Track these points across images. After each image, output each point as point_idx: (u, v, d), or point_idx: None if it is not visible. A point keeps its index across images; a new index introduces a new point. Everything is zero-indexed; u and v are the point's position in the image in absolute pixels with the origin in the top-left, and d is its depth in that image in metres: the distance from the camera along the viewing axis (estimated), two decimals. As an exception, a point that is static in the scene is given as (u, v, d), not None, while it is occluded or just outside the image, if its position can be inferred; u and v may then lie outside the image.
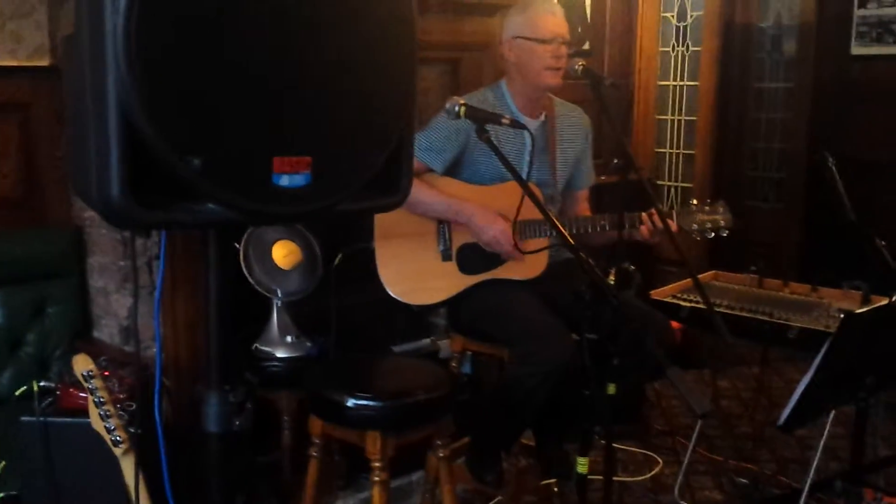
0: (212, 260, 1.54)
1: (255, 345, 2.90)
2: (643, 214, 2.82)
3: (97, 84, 1.19)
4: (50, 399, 2.34)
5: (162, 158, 1.20)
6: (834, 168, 3.25)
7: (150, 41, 1.17)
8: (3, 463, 2.32)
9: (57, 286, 2.94)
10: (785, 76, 5.00)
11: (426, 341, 3.53)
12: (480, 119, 2.41)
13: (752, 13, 5.04)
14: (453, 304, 2.98)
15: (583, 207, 3.19)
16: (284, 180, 1.32)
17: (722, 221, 2.87)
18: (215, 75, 1.23)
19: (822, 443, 3.06)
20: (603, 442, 2.54)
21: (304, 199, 1.36)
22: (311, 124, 1.35)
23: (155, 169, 1.22)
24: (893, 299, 3.02)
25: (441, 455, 2.65)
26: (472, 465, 2.98)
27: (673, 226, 2.80)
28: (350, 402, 2.44)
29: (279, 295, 2.91)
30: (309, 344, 2.92)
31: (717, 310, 2.97)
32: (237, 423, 1.57)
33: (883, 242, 3.28)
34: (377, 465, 2.47)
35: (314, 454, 2.63)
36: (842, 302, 3.14)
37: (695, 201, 2.92)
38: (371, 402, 2.44)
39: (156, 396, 1.69)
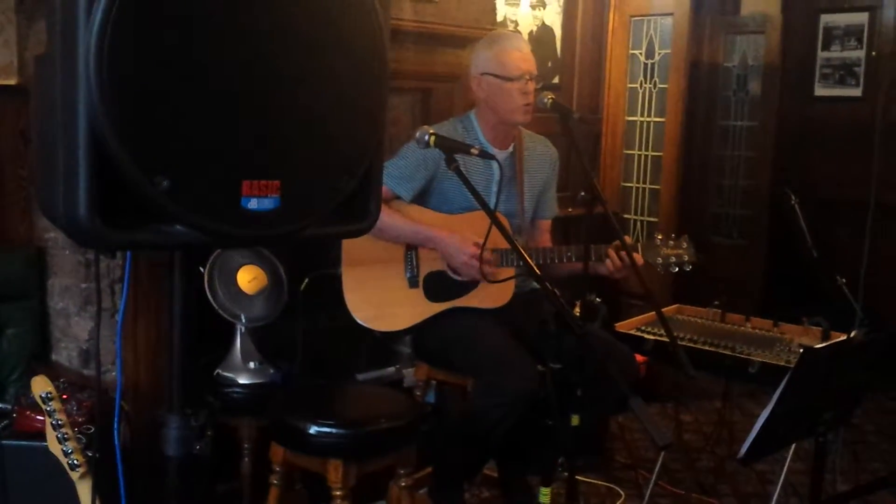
0: (176, 282, 1.53)
1: (217, 370, 2.87)
2: (609, 249, 2.85)
3: (68, 103, 1.19)
4: (6, 422, 2.30)
5: (131, 179, 1.20)
6: (796, 206, 3.31)
7: (123, 62, 1.18)
8: (-45, 487, 2.27)
9: (16, 308, 2.88)
10: (750, 115, 5.10)
11: (391, 369, 3.52)
12: (449, 148, 2.43)
13: (718, 53, 5.14)
14: (419, 332, 2.98)
15: (545, 238, 3.21)
16: (253, 203, 1.33)
17: (685, 256, 2.91)
18: (186, 98, 1.24)
19: (782, 477, 3.09)
20: (566, 474, 2.54)
21: (272, 223, 1.36)
22: (281, 149, 1.36)
23: (123, 189, 1.21)
24: (852, 335, 3.07)
25: (403, 484, 2.64)
26: (434, 496, 2.96)
27: (639, 259, 2.82)
28: (312, 430, 2.42)
29: (243, 320, 2.88)
30: (272, 370, 2.89)
31: (681, 343, 3.00)
32: (197, 447, 1.55)
33: (843, 279, 3.34)
34: (338, 493, 2.44)
35: (275, 482, 2.60)
36: (803, 337, 3.18)
37: (659, 236, 2.96)
38: (333, 430, 2.42)
39: (115, 420, 1.67)
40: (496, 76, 2.90)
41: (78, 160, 1.19)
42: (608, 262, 2.85)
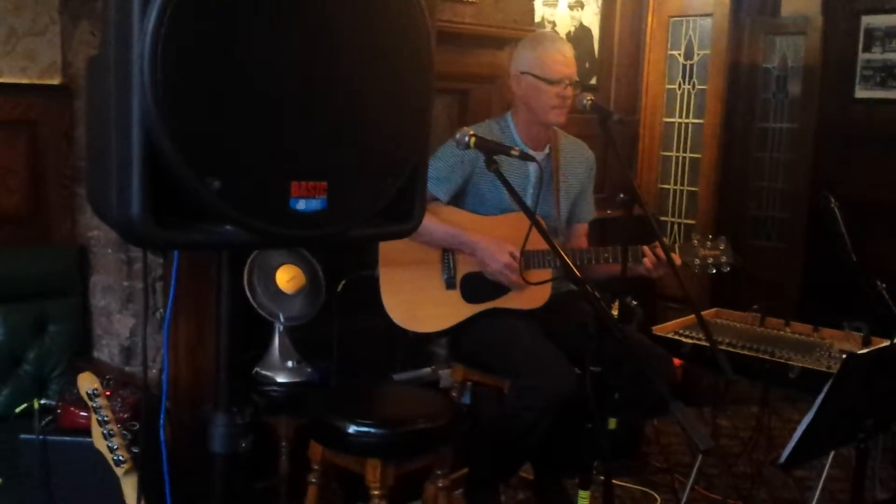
0: (224, 281, 1.54)
1: (255, 369, 2.89)
2: (646, 247, 2.84)
3: (122, 105, 1.21)
4: (50, 417, 2.33)
5: (183, 180, 1.21)
6: (836, 209, 3.27)
7: (176, 65, 1.19)
8: (1, 481, 2.30)
9: (59, 305, 2.93)
10: (789, 117, 5.04)
11: (427, 370, 3.53)
12: (489, 150, 2.42)
13: (757, 54, 5.09)
14: (455, 333, 2.98)
15: (581, 241, 3.19)
16: (301, 204, 1.34)
17: (723, 257, 2.89)
18: (237, 99, 1.25)
19: (820, 484, 3.06)
20: (602, 477, 2.53)
21: (319, 224, 1.37)
22: (329, 150, 1.37)
23: (174, 190, 1.23)
24: (894, 341, 3.02)
25: (440, 485, 2.64)
26: (470, 497, 2.97)
27: (676, 259, 2.81)
28: (351, 429, 2.44)
29: (281, 319, 2.90)
30: (309, 369, 2.91)
31: (719, 347, 2.97)
32: (243, 444, 1.57)
33: (883, 284, 3.29)
34: (377, 493, 2.45)
35: (313, 480, 2.61)
36: (843, 343, 3.14)
37: (697, 237, 2.94)
38: (373, 430, 2.43)
39: (161, 417, 1.68)
40: (536, 77, 2.89)
41: (131, 161, 1.20)
42: (645, 259, 2.83)
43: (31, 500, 2.27)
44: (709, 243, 2.91)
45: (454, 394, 3.14)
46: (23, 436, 2.28)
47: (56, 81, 3.00)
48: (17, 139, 2.91)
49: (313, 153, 1.34)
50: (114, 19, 1.23)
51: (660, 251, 2.79)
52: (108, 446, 2.00)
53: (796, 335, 3.26)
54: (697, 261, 2.88)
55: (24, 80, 2.93)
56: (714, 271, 2.90)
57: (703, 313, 3.22)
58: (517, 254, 2.78)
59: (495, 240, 2.87)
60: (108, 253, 2.92)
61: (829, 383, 2.38)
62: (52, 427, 2.31)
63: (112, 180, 1.24)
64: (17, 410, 2.47)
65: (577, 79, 2.94)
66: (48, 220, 3.01)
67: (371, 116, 1.41)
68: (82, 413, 2.19)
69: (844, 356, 2.72)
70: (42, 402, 2.34)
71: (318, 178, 1.35)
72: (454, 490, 2.88)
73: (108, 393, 2.13)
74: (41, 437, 2.26)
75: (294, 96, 1.31)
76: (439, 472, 2.63)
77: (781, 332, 3.29)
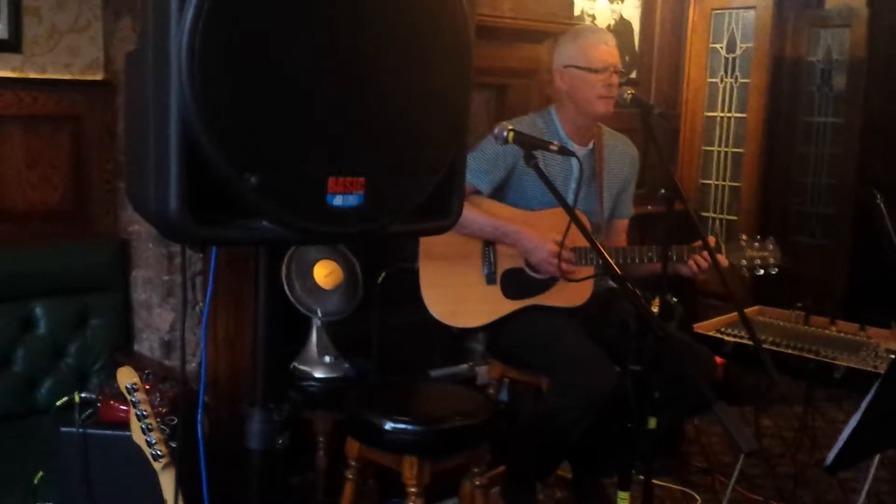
0: (261, 277, 1.53)
1: (293, 364, 2.90)
2: (694, 254, 2.78)
3: (160, 101, 1.20)
4: (90, 411, 2.34)
5: (221, 175, 1.21)
6: (881, 204, 3.19)
7: (214, 61, 1.19)
8: (41, 474, 2.33)
9: (100, 298, 2.96)
10: (834, 111, 4.94)
11: (464, 367, 3.51)
12: (528, 145, 2.40)
13: (801, 47, 4.99)
14: (494, 329, 2.96)
15: (622, 238, 3.15)
16: (338, 200, 1.32)
17: (771, 259, 2.83)
18: (276, 95, 1.24)
19: (866, 486, 2.99)
20: (641, 477, 2.50)
21: (356, 220, 1.36)
22: (367, 146, 1.36)
23: (212, 185, 1.22)
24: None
25: (477, 483, 2.63)
26: (507, 495, 2.95)
27: (723, 260, 2.76)
28: (388, 426, 2.43)
29: (319, 315, 2.90)
30: (347, 365, 2.91)
31: (763, 346, 2.91)
32: (280, 441, 1.56)
33: (929, 282, 3.21)
34: (413, 489, 2.45)
35: (350, 476, 2.61)
36: (890, 342, 3.07)
37: (744, 237, 2.88)
38: (409, 427, 2.42)
39: (199, 412, 1.69)
40: (580, 68, 2.86)
41: (169, 157, 1.20)
42: (691, 263, 2.78)
43: (70, 493, 2.29)
44: (756, 243, 2.85)
45: (491, 391, 3.12)
46: (63, 428, 2.29)
47: (98, 77, 3.03)
48: (60, 135, 2.95)
49: (350, 149, 1.33)
50: (152, 15, 1.23)
51: (706, 255, 2.73)
52: (147, 441, 2.01)
53: (842, 334, 3.19)
54: (745, 262, 2.82)
55: (67, 77, 2.96)
56: (762, 272, 2.85)
57: (746, 311, 3.17)
58: (560, 240, 2.72)
59: (538, 230, 2.84)
60: (149, 247, 2.94)
61: (877, 383, 2.33)
62: (92, 420, 2.32)
63: (150, 176, 1.24)
64: (58, 403, 2.48)
65: (622, 68, 2.90)
66: (90, 214, 3.04)
67: (409, 112, 1.39)
68: (122, 407, 2.20)
69: (893, 356, 2.66)
70: (83, 395, 2.36)
71: (356, 174, 1.34)
72: (491, 488, 2.86)
73: (147, 387, 2.14)
74: (81, 430, 2.27)
75: (331, 92, 1.30)
76: (476, 469, 2.62)
77: (826, 331, 3.22)
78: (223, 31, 1.20)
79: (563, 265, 2.75)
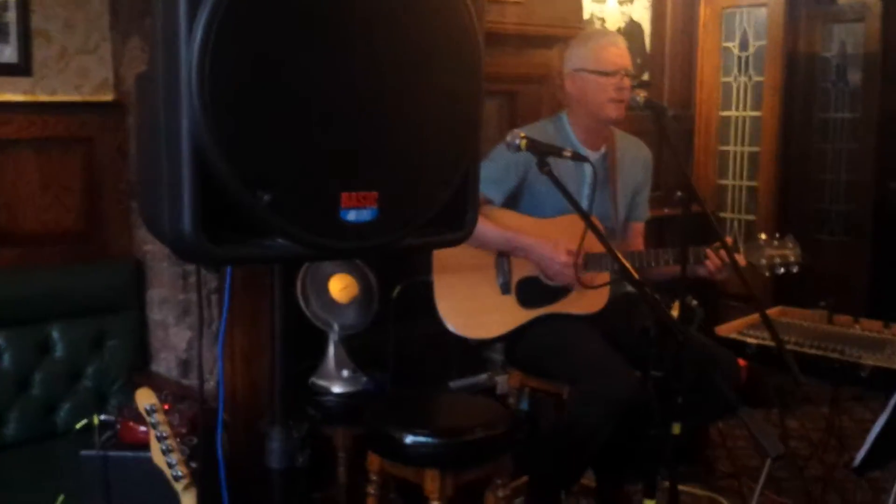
0: (276, 295, 1.52)
1: (311, 379, 2.88)
2: (708, 250, 2.75)
3: (171, 121, 1.20)
4: (110, 433, 2.34)
5: (233, 194, 1.21)
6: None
7: (224, 79, 1.18)
8: (62, 497, 2.32)
9: (117, 319, 2.96)
10: (850, 106, 4.89)
11: (483, 377, 3.48)
12: (541, 151, 2.37)
13: (815, 43, 4.96)
14: (511, 339, 2.93)
15: (638, 242, 3.12)
16: (352, 215, 1.31)
17: (792, 257, 2.79)
18: (286, 112, 1.24)
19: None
20: (666, 484, 2.46)
21: (370, 234, 1.35)
22: (378, 160, 1.35)
23: (225, 205, 1.21)
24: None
25: (500, 494, 2.60)
26: (531, 505, 2.91)
27: (741, 261, 2.72)
28: (408, 439, 2.41)
29: (335, 329, 2.89)
30: (365, 379, 2.89)
31: (786, 348, 2.87)
32: (300, 459, 1.55)
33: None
34: (436, 503, 2.42)
35: (371, 491, 2.59)
36: (916, 339, 3.02)
37: (763, 235, 2.84)
38: (430, 440, 2.40)
39: (218, 431, 1.67)
40: (591, 72, 2.83)
41: (182, 177, 1.19)
42: (708, 262, 2.75)
43: (92, 516, 2.28)
44: (776, 242, 2.81)
45: (511, 400, 3.09)
46: (84, 451, 2.29)
47: (109, 98, 3.03)
48: (72, 156, 2.95)
49: (363, 164, 1.32)
50: (161, 35, 1.23)
51: (723, 253, 2.70)
52: (167, 462, 1.98)
53: (866, 332, 3.15)
54: (764, 261, 2.78)
55: (78, 98, 2.96)
56: (782, 271, 2.80)
57: (767, 312, 3.12)
58: (573, 250, 2.70)
59: (551, 241, 2.81)
60: (163, 267, 2.94)
61: (905, 383, 2.29)
62: (112, 442, 2.31)
63: (164, 197, 1.23)
64: (78, 426, 2.48)
65: (633, 71, 2.87)
66: (105, 235, 3.04)
67: (420, 125, 1.39)
68: (142, 428, 2.19)
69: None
70: (102, 417, 2.35)
71: (369, 189, 1.33)
72: (515, 499, 2.84)
73: (166, 407, 2.13)
74: (101, 452, 2.26)
75: (341, 107, 1.29)
76: (499, 480, 2.59)
77: (850, 330, 3.18)
78: (232, 50, 1.19)
79: (578, 277, 2.72)
